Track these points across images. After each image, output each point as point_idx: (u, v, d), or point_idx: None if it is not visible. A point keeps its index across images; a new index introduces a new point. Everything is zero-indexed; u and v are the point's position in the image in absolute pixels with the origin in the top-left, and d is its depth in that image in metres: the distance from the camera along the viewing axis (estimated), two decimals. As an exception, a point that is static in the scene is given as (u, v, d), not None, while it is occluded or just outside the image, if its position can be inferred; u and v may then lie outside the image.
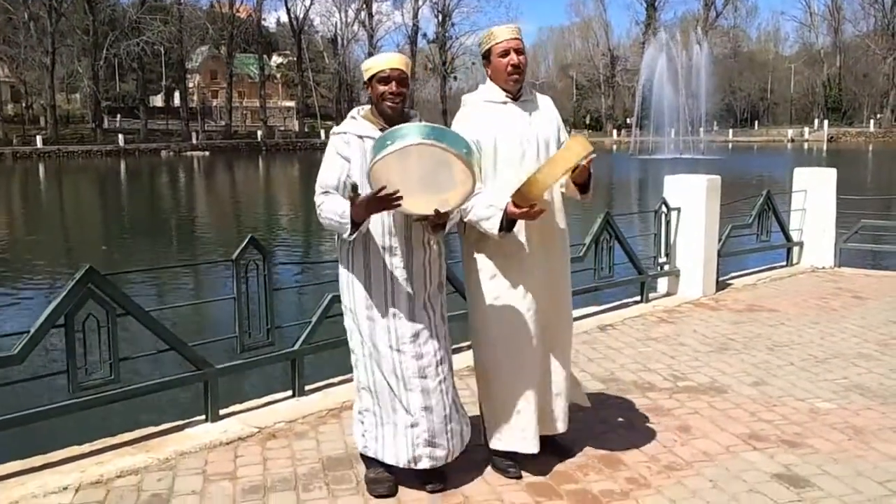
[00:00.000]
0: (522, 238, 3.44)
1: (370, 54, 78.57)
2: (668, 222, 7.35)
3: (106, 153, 56.64)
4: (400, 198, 2.96)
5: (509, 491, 3.39)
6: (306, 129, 75.72)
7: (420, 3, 79.12)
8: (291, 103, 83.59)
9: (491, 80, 3.54)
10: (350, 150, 3.25)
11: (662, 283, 7.60)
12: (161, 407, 5.16)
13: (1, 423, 3.64)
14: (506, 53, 3.44)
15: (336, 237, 3.33)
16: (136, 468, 3.64)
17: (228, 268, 4.40)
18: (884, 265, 10.15)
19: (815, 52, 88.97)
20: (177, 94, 76.23)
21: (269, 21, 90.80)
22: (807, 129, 76.56)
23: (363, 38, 79.13)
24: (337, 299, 4.68)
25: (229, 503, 3.32)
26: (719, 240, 7.70)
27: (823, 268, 8.87)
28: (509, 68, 3.44)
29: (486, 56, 3.51)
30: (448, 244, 3.52)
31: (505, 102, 3.50)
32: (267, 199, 29.95)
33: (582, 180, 3.41)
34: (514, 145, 3.44)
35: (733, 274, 8.45)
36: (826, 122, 76.63)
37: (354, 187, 3.11)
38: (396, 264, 3.25)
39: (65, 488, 3.44)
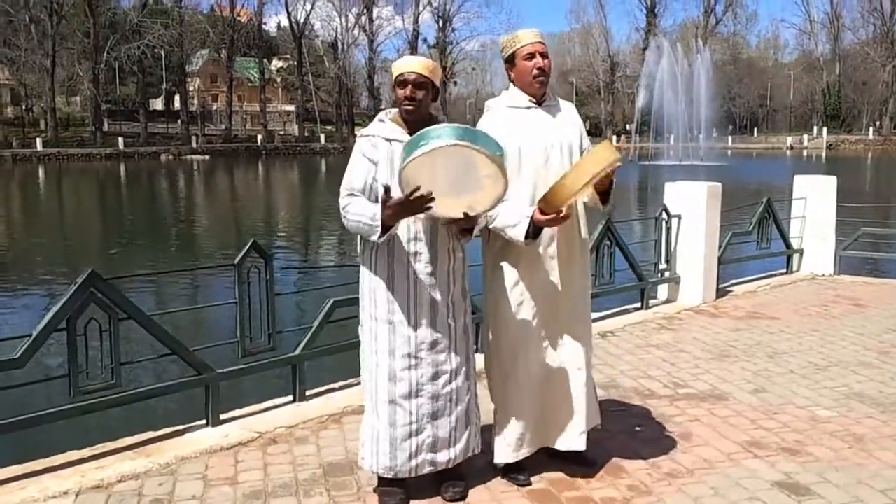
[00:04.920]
0: (546, 246, 3.43)
1: (370, 59, 79.03)
2: (668, 229, 7.36)
3: (106, 156, 56.66)
4: (432, 199, 2.94)
5: (511, 497, 3.39)
6: (306, 134, 75.81)
7: (421, 8, 79.45)
8: (291, 107, 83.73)
9: (514, 84, 3.51)
10: (377, 153, 3.21)
11: (663, 290, 7.60)
12: (162, 411, 5.16)
13: (2, 427, 3.64)
14: (531, 57, 3.41)
15: (358, 241, 3.30)
16: (137, 473, 3.64)
17: (230, 272, 4.39)
18: (883, 273, 10.17)
19: (814, 59, 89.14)
20: (177, 98, 76.31)
21: (270, 25, 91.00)
22: (806, 137, 76.62)
23: (363, 42, 79.46)
24: (338, 304, 4.72)
25: (230, 508, 3.32)
26: (720, 247, 7.70)
27: (823, 275, 8.88)
28: (535, 71, 3.42)
29: (510, 60, 3.47)
30: (468, 252, 3.49)
31: (529, 107, 3.48)
32: (267, 203, 29.96)
33: (604, 188, 3.38)
34: (538, 151, 3.42)
35: (733, 281, 8.46)
36: (825, 129, 76.73)
37: (387, 189, 3.06)
38: (421, 270, 3.22)
39: (65, 493, 3.44)
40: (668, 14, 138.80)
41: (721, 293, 7.75)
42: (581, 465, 3.64)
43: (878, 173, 43.00)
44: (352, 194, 3.21)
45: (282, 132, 78.18)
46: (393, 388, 3.23)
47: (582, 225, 3.56)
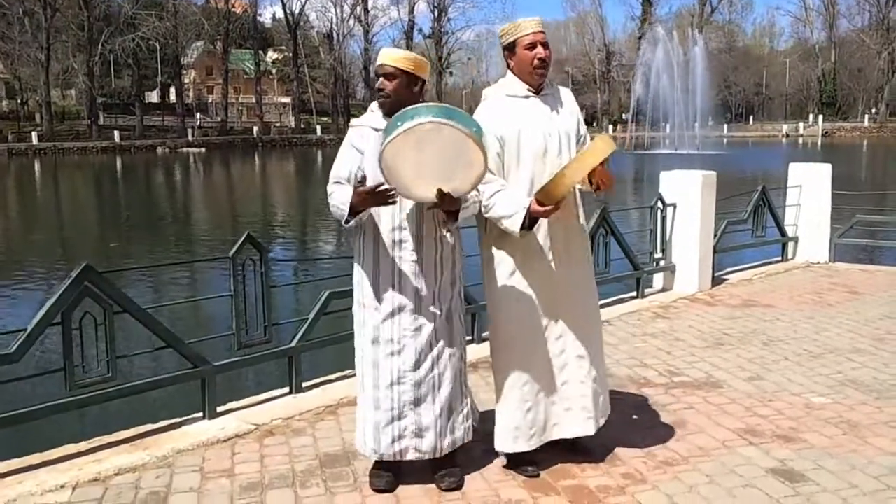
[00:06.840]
0: (543, 235, 3.42)
1: (366, 50, 78.73)
2: (663, 218, 7.36)
3: (102, 149, 56.42)
4: (394, 195, 3.04)
5: (506, 487, 3.40)
6: (302, 125, 75.58)
7: (416, -2, 78.96)
8: (287, 99, 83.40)
9: (513, 72, 3.48)
10: (364, 143, 3.28)
11: (658, 279, 7.61)
12: (158, 404, 5.16)
13: (-2, 422, 3.64)
14: (533, 46, 3.39)
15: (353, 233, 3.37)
16: (134, 466, 3.65)
17: (225, 265, 4.39)
18: (878, 260, 10.20)
19: (809, 47, 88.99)
20: (172, 90, 76.06)
21: (265, 16, 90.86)
22: (801, 124, 76.58)
23: (359, 33, 79.10)
24: (334, 296, 4.73)
25: (227, 500, 3.33)
26: (715, 235, 7.71)
27: (818, 263, 8.90)
28: (536, 62, 3.40)
29: (511, 48, 3.44)
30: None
31: (527, 97, 3.46)
32: (263, 195, 29.91)
33: (605, 185, 3.35)
34: (537, 140, 3.41)
35: (729, 269, 8.47)
36: (821, 116, 76.64)
37: (364, 178, 3.17)
38: (405, 258, 3.26)
39: (62, 486, 3.45)
40: (664, 2, 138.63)
41: (716, 281, 7.77)
42: (576, 453, 3.65)
43: (873, 161, 43.01)
44: (337, 182, 3.31)
45: (278, 124, 77.91)
46: (376, 374, 3.30)
47: (580, 212, 3.57)
